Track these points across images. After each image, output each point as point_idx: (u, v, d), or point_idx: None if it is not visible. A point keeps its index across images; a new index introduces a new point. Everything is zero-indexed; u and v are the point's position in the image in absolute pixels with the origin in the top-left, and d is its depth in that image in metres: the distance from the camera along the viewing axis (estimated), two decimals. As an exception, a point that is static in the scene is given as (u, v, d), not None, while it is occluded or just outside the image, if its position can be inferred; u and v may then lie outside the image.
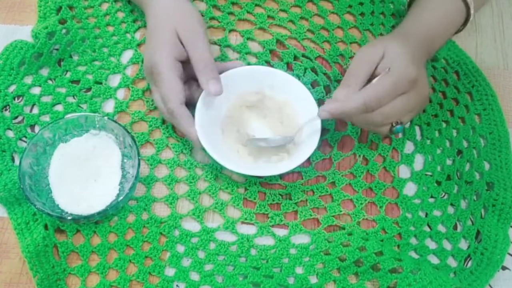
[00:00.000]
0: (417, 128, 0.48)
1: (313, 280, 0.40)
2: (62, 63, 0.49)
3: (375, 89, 0.40)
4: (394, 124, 0.42)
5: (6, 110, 0.46)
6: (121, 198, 0.40)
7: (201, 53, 0.43)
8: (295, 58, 0.50)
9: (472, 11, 0.47)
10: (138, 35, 0.51)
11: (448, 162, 0.46)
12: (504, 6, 0.56)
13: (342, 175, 0.45)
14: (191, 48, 0.43)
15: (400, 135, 0.47)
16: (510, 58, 0.52)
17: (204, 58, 0.42)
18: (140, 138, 0.46)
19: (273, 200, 0.44)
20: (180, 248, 0.41)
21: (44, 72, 0.48)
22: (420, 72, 0.42)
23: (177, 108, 0.42)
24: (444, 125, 0.48)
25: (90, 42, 0.50)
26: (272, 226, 0.43)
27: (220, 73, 0.44)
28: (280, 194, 0.44)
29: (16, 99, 0.47)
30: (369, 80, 0.42)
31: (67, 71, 0.48)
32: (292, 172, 0.45)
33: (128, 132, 0.42)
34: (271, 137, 0.45)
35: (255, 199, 0.44)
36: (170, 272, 0.41)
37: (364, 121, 0.42)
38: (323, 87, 0.49)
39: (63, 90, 0.47)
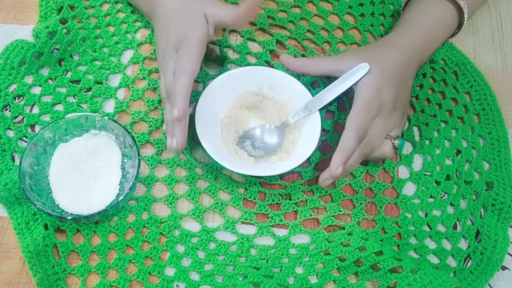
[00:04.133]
0: (415, 129, 0.48)
1: (313, 280, 0.40)
2: (62, 63, 0.49)
3: (356, 118, 0.41)
4: (393, 141, 0.43)
5: (6, 109, 0.46)
6: (121, 198, 0.40)
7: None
8: (295, 58, 0.50)
9: (466, 16, 0.47)
10: (138, 36, 0.51)
11: (447, 162, 0.47)
12: (502, 6, 0.56)
13: (342, 175, 0.45)
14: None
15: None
16: (509, 58, 0.53)
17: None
18: (140, 138, 0.46)
19: (273, 200, 0.44)
20: (180, 248, 0.41)
21: (45, 72, 0.48)
22: (389, 93, 0.42)
23: (187, 80, 0.39)
24: (443, 125, 0.48)
25: (91, 42, 0.50)
26: (272, 226, 0.43)
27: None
28: (280, 194, 0.44)
29: (16, 99, 0.47)
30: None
31: (67, 71, 0.48)
32: (292, 172, 0.45)
33: (128, 132, 0.42)
34: (265, 125, 0.45)
35: (255, 199, 0.44)
36: (170, 272, 0.41)
37: (362, 157, 0.42)
38: (323, 88, 0.49)
39: (63, 90, 0.47)
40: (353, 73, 0.43)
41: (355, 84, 0.43)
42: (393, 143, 0.43)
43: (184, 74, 0.40)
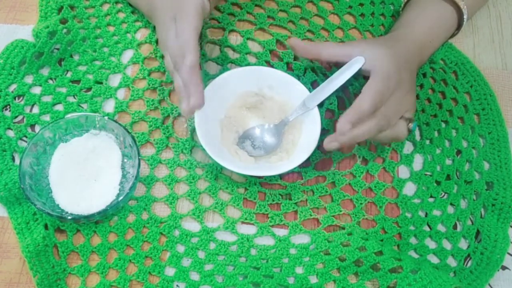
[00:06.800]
0: (416, 129, 0.48)
1: (313, 280, 0.40)
2: (62, 62, 0.49)
3: (374, 85, 0.40)
4: (408, 123, 0.43)
5: (6, 109, 0.46)
6: (121, 198, 0.40)
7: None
8: (295, 58, 0.50)
9: (465, 17, 0.47)
10: (138, 35, 0.51)
11: (448, 162, 0.47)
12: (502, 6, 0.56)
13: (342, 175, 0.45)
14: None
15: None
16: (509, 58, 0.53)
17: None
18: (140, 138, 0.46)
19: (273, 200, 0.44)
20: (180, 248, 0.41)
21: (45, 71, 0.48)
22: (405, 75, 0.42)
23: (192, 33, 0.39)
24: (443, 125, 0.48)
25: (91, 42, 0.50)
26: (272, 226, 0.43)
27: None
28: (280, 194, 0.44)
29: (16, 98, 0.47)
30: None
31: (67, 70, 0.48)
32: (292, 172, 0.45)
33: (128, 132, 0.42)
34: (264, 124, 0.45)
35: (255, 199, 0.44)
36: (170, 272, 0.41)
37: (376, 129, 0.41)
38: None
39: (63, 90, 0.47)
40: (349, 67, 0.43)
41: (366, 65, 0.42)
42: (407, 125, 0.43)
43: (187, 29, 0.39)
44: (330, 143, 0.40)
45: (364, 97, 0.40)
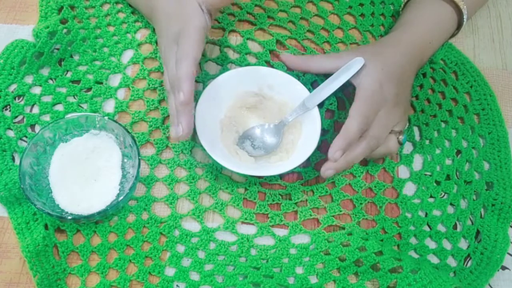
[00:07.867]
0: (416, 129, 0.48)
1: (313, 280, 0.40)
2: (62, 62, 0.49)
3: (359, 107, 0.41)
4: (397, 136, 0.43)
5: (6, 109, 0.46)
6: (121, 198, 0.40)
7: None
8: (295, 58, 0.50)
9: (465, 17, 0.47)
10: (138, 36, 0.51)
11: (448, 162, 0.47)
12: (501, 6, 0.56)
13: (341, 175, 0.45)
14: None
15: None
16: (509, 58, 0.53)
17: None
18: (140, 138, 0.46)
19: (273, 200, 0.44)
20: (180, 248, 0.42)
21: (45, 71, 0.48)
22: (392, 89, 0.42)
23: (190, 65, 0.39)
24: (443, 125, 0.48)
25: (91, 42, 0.50)
26: (272, 226, 0.43)
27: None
28: (280, 194, 0.44)
29: (16, 98, 0.47)
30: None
31: (67, 71, 0.48)
32: (292, 172, 0.45)
33: (128, 132, 0.42)
34: (264, 124, 0.45)
35: (255, 199, 0.44)
36: (170, 272, 0.41)
37: (367, 150, 0.42)
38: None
39: (63, 90, 0.47)
40: (348, 68, 0.43)
41: (354, 78, 0.43)
42: (397, 138, 0.43)
43: (186, 60, 0.40)
44: (326, 171, 0.41)
45: (350, 121, 0.41)
